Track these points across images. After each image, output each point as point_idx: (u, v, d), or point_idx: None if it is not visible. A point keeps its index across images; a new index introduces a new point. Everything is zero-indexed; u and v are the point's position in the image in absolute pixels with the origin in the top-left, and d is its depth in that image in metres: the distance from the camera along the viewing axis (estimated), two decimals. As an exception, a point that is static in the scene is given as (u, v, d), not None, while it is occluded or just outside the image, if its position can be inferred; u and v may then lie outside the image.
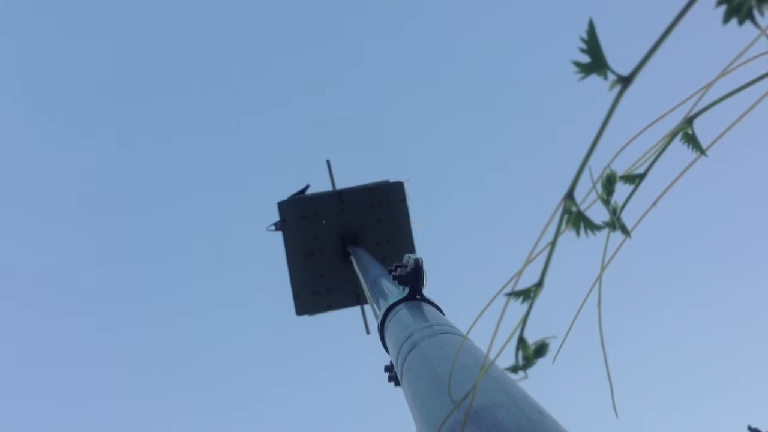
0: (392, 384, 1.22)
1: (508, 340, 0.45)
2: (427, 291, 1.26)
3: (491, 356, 0.47)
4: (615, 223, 0.49)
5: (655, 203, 0.53)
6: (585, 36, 0.37)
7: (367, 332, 3.03)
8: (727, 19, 0.33)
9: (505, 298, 0.43)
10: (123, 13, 6.89)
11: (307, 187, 2.98)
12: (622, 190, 0.50)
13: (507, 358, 0.47)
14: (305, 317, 3.02)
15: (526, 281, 0.43)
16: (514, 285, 0.43)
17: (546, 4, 6.79)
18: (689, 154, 0.51)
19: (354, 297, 3.02)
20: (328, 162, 3.01)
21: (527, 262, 0.43)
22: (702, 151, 0.50)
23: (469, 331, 0.62)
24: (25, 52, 6.69)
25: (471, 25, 7.12)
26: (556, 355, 0.50)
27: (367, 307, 2.99)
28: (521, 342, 0.45)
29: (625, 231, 0.50)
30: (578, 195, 0.42)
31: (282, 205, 2.93)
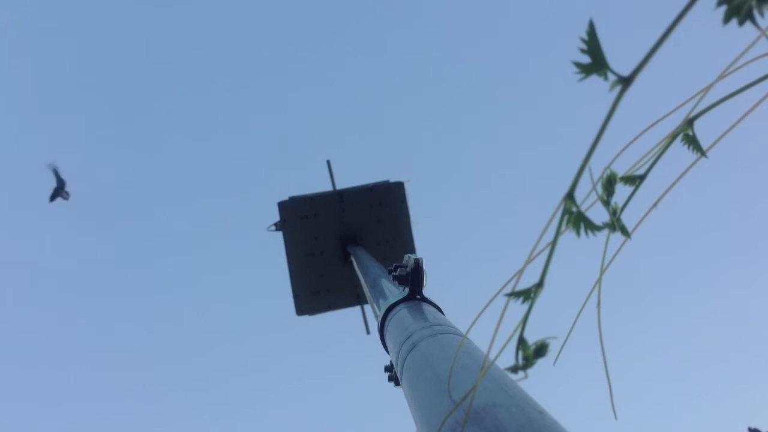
0: (392, 384, 1.22)
1: (509, 341, 0.45)
2: (427, 291, 1.26)
3: (491, 356, 0.47)
4: (615, 224, 0.49)
5: (655, 204, 0.53)
6: (585, 36, 0.37)
7: (367, 332, 3.03)
8: (727, 19, 0.33)
9: (505, 298, 0.43)
10: (125, 13, 6.89)
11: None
12: (622, 191, 0.50)
13: (507, 358, 0.47)
14: (305, 317, 3.02)
15: (527, 281, 0.43)
16: (514, 285, 0.43)
17: (546, 4, 6.79)
18: (690, 155, 0.51)
19: (354, 297, 3.02)
20: (328, 162, 3.01)
21: (527, 262, 0.43)
22: (703, 153, 0.50)
23: (468, 330, 0.62)
24: (25, 52, 6.69)
25: (471, 25, 7.11)
26: (557, 357, 0.50)
27: (367, 307, 2.99)
28: (521, 342, 0.45)
29: (625, 232, 0.50)
30: (578, 195, 0.42)
31: (282, 205, 2.93)
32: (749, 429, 0.56)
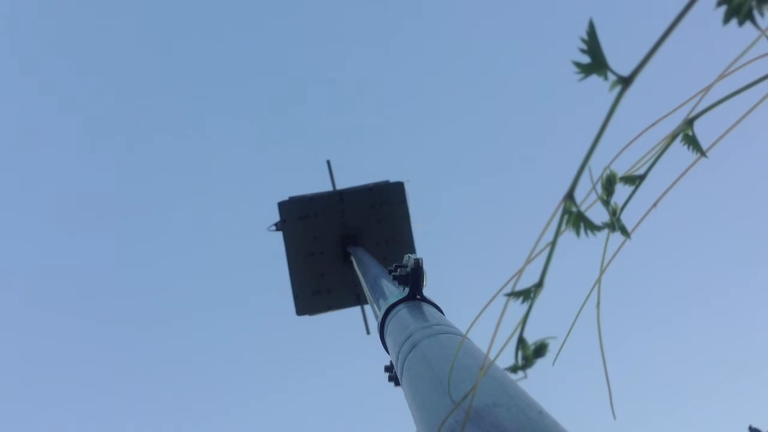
0: (392, 384, 1.22)
1: (508, 340, 0.45)
2: (427, 291, 1.26)
3: (491, 356, 0.47)
4: (615, 224, 0.49)
5: (655, 204, 0.53)
6: (585, 36, 0.37)
7: (367, 332, 3.03)
8: (727, 19, 0.34)
9: (505, 298, 0.43)
10: (125, 10, 6.90)
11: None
12: (622, 191, 0.50)
13: (507, 358, 0.47)
14: (305, 317, 3.02)
15: (526, 281, 0.43)
16: (514, 285, 0.43)
17: (546, 4, 6.79)
18: (689, 155, 0.51)
19: (354, 297, 3.02)
20: (328, 162, 3.02)
21: (527, 262, 0.43)
22: (702, 153, 0.50)
23: (468, 330, 0.62)
24: (23, 53, 6.70)
25: (471, 25, 7.12)
26: (556, 357, 0.50)
27: (367, 307, 3.00)
28: (521, 342, 0.45)
29: (625, 232, 0.50)
30: (578, 195, 0.42)
31: (282, 205, 2.93)
32: (749, 428, 0.56)
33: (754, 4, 0.33)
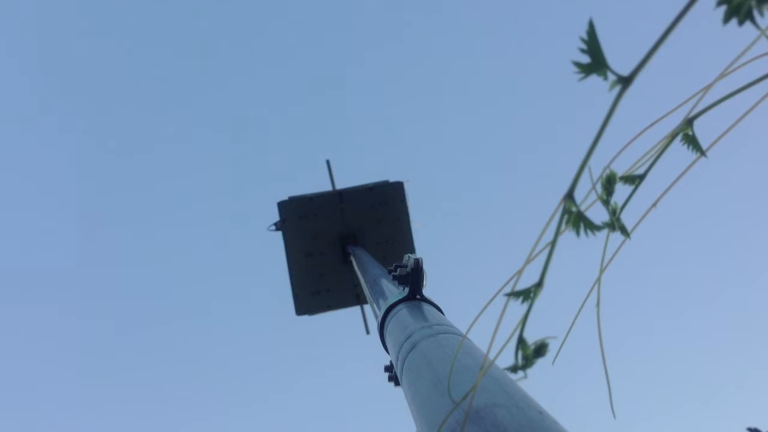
0: (392, 384, 1.22)
1: (508, 340, 0.45)
2: (427, 291, 1.26)
3: (491, 356, 0.47)
4: (615, 224, 0.49)
5: (654, 204, 0.53)
6: (585, 36, 0.37)
7: (367, 332, 3.03)
8: (727, 19, 0.34)
9: (505, 298, 0.43)
10: (129, 15, 6.90)
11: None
12: (622, 190, 0.50)
13: (507, 358, 0.47)
14: (305, 317, 3.02)
15: (526, 281, 0.43)
16: (514, 285, 0.43)
17: (546, 4, 6.79)
18: (689, 155, 0.51)
19: (354, 297, 3.02)
20: (328, 162, 3.02)
21: (527, 262, 0.43)
22: (702, 152, 0.50)
23: (468, 330, 0.62)
24: (23, 52, 6.70)
25: (471, 25, 7.12)
26: (555, 356, 0.50)
27: (367, 307, 3.00)
28: (521, 342, 0.45)
29: (625, 232, 0.50)
30: (578, 195, 0.42)
31: (282, 205, 2.93)
32: (748, 429, 0.55)
33: (754, 4, 0.33)
